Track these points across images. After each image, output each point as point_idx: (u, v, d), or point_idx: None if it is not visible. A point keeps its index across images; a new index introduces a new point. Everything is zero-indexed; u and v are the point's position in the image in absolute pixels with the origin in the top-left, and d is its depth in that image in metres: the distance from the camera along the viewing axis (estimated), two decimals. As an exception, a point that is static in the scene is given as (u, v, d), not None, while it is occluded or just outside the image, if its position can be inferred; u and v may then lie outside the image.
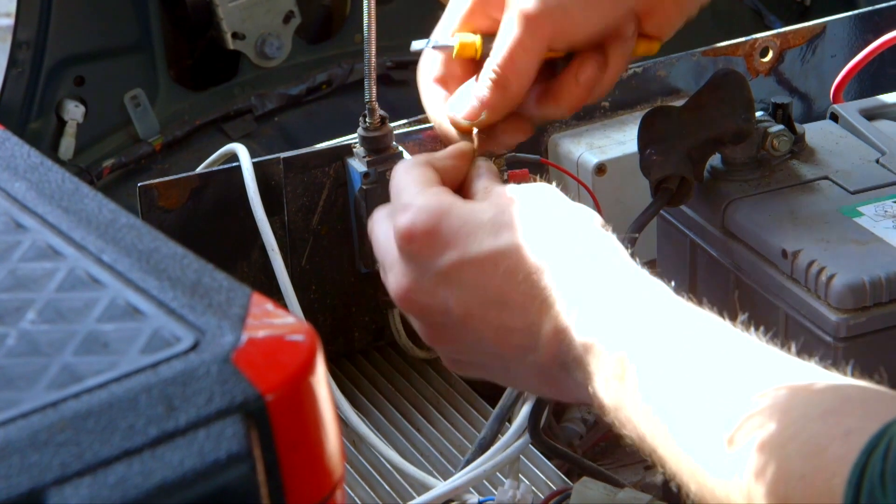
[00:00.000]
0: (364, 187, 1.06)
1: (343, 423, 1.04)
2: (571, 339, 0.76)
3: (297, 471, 0.57)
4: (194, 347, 0.58)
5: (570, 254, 0.78)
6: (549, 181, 1.13)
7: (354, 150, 1.07)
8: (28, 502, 0.52)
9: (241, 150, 1.06)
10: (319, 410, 0.59)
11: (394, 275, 0.83)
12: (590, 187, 1.13)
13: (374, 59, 1.04)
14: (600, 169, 1.14)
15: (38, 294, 0.62)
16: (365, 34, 1.03)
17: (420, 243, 0.82)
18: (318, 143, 1.11)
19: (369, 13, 1.02)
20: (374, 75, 1.04)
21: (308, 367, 0.58)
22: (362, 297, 1.09)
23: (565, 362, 0.77)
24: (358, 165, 1.07)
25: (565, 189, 1.16)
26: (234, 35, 1.54)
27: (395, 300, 0.84)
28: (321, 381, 0.59)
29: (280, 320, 0.61)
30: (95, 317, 0.60)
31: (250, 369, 0.57)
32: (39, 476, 0.52)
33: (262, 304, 0.61)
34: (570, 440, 1.02)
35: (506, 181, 1.10)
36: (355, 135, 1.07)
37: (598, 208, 1.12)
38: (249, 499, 0.55)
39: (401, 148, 1.07)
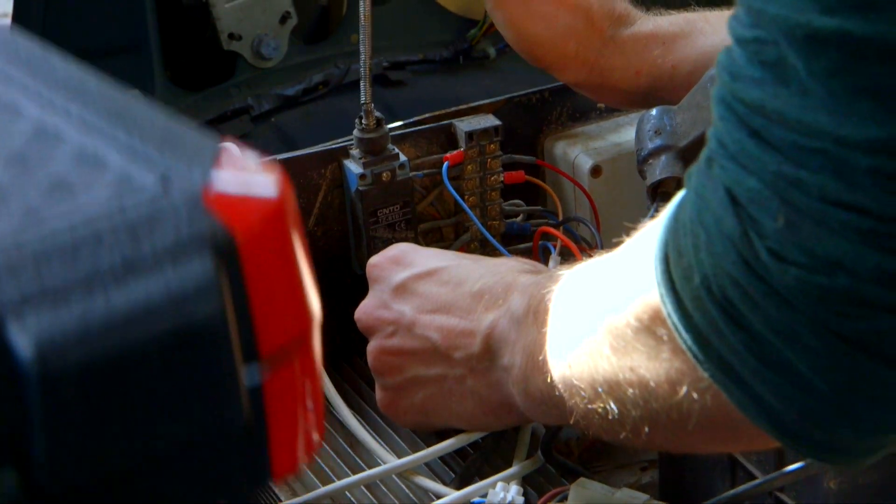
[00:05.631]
0: (360, 189, 1.06)
1: (340, 425, 1.04)
2: (505, 322, 0.89)
3: (268, 310, 0.56)
4: (162, 188, 0.57)
5: (503, 271, 0.94)
6: (545, 182, 1.13)
7: (350, 151, 1.07)
8: None
9: (232, 147, 1.06)
10: (290, 252, 0.58)
11: (361, 305, 0.99)
12: (586, 189, 1.13)
13: (369, 62, 1.04)
14: (596, 170, 1.14)
15: (1, 146, 0.60)
16: (361, 37, 1.03)
17: (382, 266, 0.98)
18: (314, 143, 1.12)
19: (366, 17, 1.03)
20: (369, 77, 1.04)
21: (280, 209, 0.57)
22: (359, 298, 1.09)
23: (497, 349, 0.90)
24: (354, 167, 1.07)
25: (561, 191, 1.17)
26: (231, 36, 1.54)
27: (357, 320, 0.99)
28: (293, 224, 0.58)
29: (253, 165, 0.60)
30: (61, 165, 0.59)
31: (220, 208, 0.56)
32: None
33: (233, 150, 0.60)
34: (567, 441, 1.02)
35: (501, 182, 1.11)
36: (351, 136, 1.07)
37: (594, 210, 1.12)
38: (218, 335, 0.54)
39: (396, 150, 1.07)
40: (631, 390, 0.74)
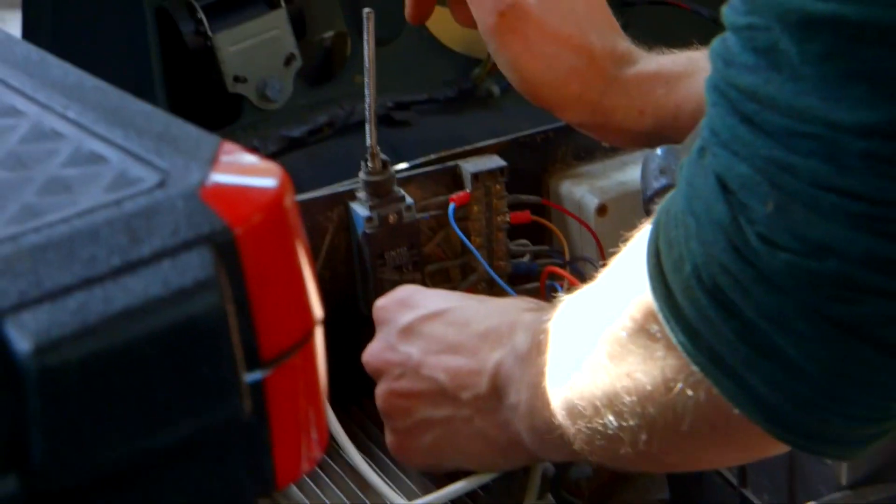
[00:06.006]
0: (367, 231, 1.06)
1: (349, 468, 1.03)
2: (510, 361, 0.89)
3: (269, 309, 0.56)
4: (160, 185, 0.56)
5: (508, 310, 0.94)
6: (551, 222, 1.13)
7: (357, 194, 1.08)
8: None
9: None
10: (291, 249, 0.57)
11: (368, 347, 0.99)
12: (592, 228, 1.14)
13: (374, 104, 1.04)
14: (602, 209, 1.14)
15: None
16: (365, 80, 1.04)
17: (388, 309, 0.98)
18: (320, 184, 1.12)
19: (369, 58, 1.03)
20: (374, 121, 1.04)
21: (279, 204, 0.57)
22: (366, 340, 1.09)
23: (504, 387, 0.89)
24: (360, 209, 1.07)
25: (567, 230, 1.17)
26: (236, 78, 1.55)
27: (364, 363, 0.99)
28: (293, 220, 0.57)
29: (251, 161, 0.60)
30: (58, 164, 0.58)
31: (218, 204, 0.55)
32: None
33: (232, 149, 0.60)
34: (577, 482, 1.01)
35: (507, 222, 1.11)
36: (357, 178, 1.07)
37: (600, 249, 1.12)
38: (217, 329, 0.53)
39: (402, 192, 1.07)
40: (628, 398, 0.74)
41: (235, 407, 0.55)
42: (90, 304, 0.52)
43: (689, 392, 0.70)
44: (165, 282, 0.53)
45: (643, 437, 0.75)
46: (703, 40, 1.17)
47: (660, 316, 0.69)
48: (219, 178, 0.57)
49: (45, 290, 0.52)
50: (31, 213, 0.55)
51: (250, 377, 0.55)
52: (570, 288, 1.06)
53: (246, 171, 0.59)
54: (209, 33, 1.54)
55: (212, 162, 0.58)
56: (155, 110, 0.63)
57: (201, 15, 1.54)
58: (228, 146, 0.60)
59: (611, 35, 1.07)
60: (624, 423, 0.76)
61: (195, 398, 0.54)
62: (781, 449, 0.72)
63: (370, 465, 1.03)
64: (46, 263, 0.53)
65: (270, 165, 0.59)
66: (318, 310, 0.58)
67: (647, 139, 1.07)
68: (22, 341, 0.50)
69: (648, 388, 0.73)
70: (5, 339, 0.50)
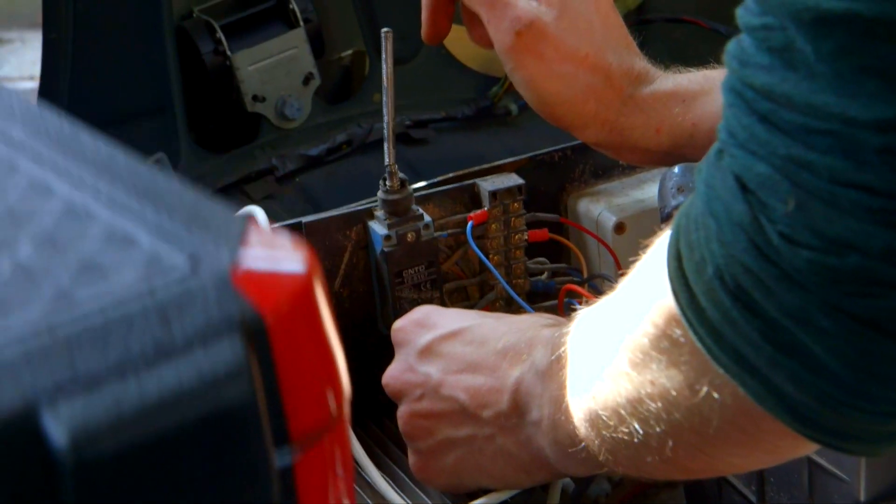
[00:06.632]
0: (385, 249, 1.07)
1: (369, 486, 1.04)
2: (530, 377, 0.89)
3: (299, 394, 0.56)
4: (192, 271, 0.57)
5: (526, 327, 0.94)
6: (569, 240, 1.13)
7: (375, 212, 1.08)
8: (22, 418, 0.51)
9: (258, 212, 1.07)
10: (320, 333, 0.58)
11: (388, 370, 0.99)
12: (609, 246, 1.14)
13: (392, 123, 1.05)
14: (619, 227, 1.15)
15: (33, 227, 0.61)
16: (383, 98, 1.04)
17: (406, 330, 0.99)
18: (339, 202, 1.12)
19: (388, 78, 1.03)
20: (392, 140, 1.05)
21: (308, 285, 0.57)
22: (385, 359, 1.10)
23: (525, 404, 0.90)
24: (379, 228, 1.08)
25: (585, 248, 1.17)
26: (255, 97, 1.56)
27: (384, 385, 0.99)
28: (322, 304, 0.58)
29: (280, 244, 0.60)
30: (91, 246, 0.59)
31: (248, 288, 0.56)
32: (33, 394, 0.51)
33: (260, 230, 0.60)
34: (596, 499, 1.02)
35: (526, 240, 1.11)
36: (375, 197, 1.08)
37: (617, 266, 1.13)
38: (249, 418, 0.54)
39: (420, 210, 1.08)
40: (653, 405, 0.74)
41: (266, 492, 0.55)
42: (125, 395, 0.52)
43: (715, 395, 0.70)
44: (198, 372, 0.53)
45: (670, 443, 0.75)
46: (721, 58, 1.18)
47: (682, 320, 0.69)
48: (247, 258, 0.58)
49: (81, 380, 0.52)
50: (65, 300, 0.56)
51: (280, 462, 0.56)
52: (588, 305, 1.06)
53: (274, 249, 0.60)
54: (228, 52, 1.55)
55: (240, 241, 0.59)
56: (183, 187, 0.63)
57: (220, 34, 1.55)
58: (256, 226, 0.61)
59: (627, 54, 1.07)
60: (650, 431, 0.76)
61: (226, 485, 0.54)
62: (808, 449, 0.72)
63: (390, 485, 1.03)
64: (82, 352, 0.53)
65: (298, 248, 0.60)
66: (346, 387, 0.59)
67: (664, 158, 1.07)
68: (59, 435, 0.51)
69: (673, 393, 0.73)
70: (42, 431, 0.51)
